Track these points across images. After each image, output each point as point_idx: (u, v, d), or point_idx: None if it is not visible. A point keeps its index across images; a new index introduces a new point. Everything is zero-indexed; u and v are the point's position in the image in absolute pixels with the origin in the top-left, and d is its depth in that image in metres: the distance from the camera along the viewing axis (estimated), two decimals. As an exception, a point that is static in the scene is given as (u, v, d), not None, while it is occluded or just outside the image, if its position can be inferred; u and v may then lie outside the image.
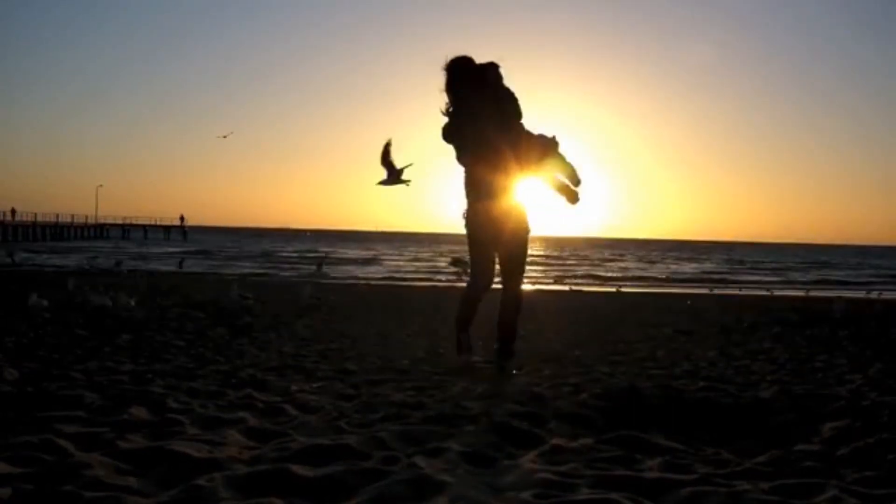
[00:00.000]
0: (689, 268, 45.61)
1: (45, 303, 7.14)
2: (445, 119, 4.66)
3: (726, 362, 5.28)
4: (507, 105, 4.59)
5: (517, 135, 4.61)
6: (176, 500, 2.03)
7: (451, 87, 4.61)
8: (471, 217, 4.72)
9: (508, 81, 4.59)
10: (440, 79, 4.60)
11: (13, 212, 61.33)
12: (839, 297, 11.43)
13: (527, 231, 4.80)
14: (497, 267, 4.84)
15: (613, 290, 20.56)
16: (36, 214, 66.83)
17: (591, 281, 29.10)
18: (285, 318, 8.04)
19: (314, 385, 4.03)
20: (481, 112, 4.55)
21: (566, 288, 21.00)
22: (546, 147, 4.69)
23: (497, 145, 4.55)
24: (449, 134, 4.65)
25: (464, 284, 5.18)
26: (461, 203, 4.78)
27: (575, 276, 31.87)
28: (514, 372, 4.61)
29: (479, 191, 4.66)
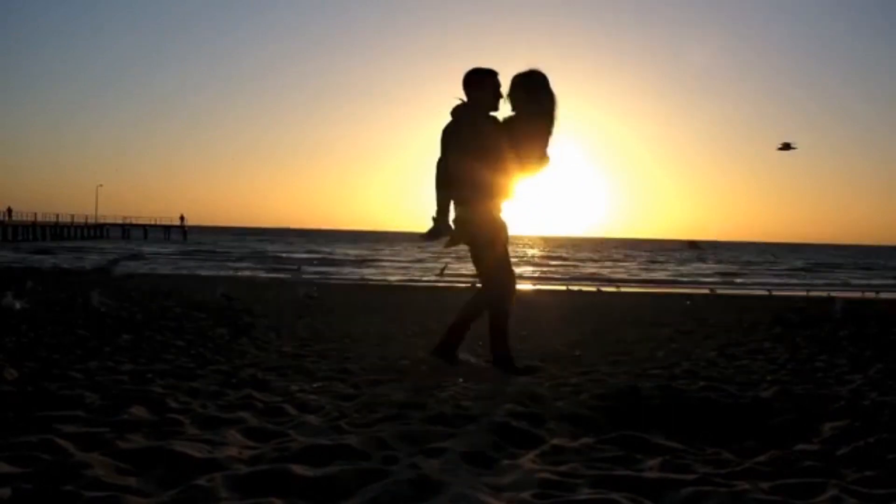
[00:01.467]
0: (689, 269, 45.04)
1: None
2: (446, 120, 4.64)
3: (726, 362, 5.28)
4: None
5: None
6: (176, 500, 2.03)
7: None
8: (483, 218, 4.60)
9: (507, 82, 4.60)
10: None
11: (9, 211, 61.04)
12: (839, 298, 11.43)
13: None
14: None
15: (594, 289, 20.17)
16: (36, 214, 66.91)
17: (600, 283, 28.73)
18: (285, 318, 8.03)
19: (314, 385, 4.02)
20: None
21: (564, 287, 20.99)
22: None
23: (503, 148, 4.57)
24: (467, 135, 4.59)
25: None
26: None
27: (581, 278, 31.58)
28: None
29: (486, 190, 4.61)
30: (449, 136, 4.61)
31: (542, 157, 4.65)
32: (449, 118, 4.64)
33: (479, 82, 4.61)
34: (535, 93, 4.59)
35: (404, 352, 5.66)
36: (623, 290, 21.05)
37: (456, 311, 4.93)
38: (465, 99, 4.64)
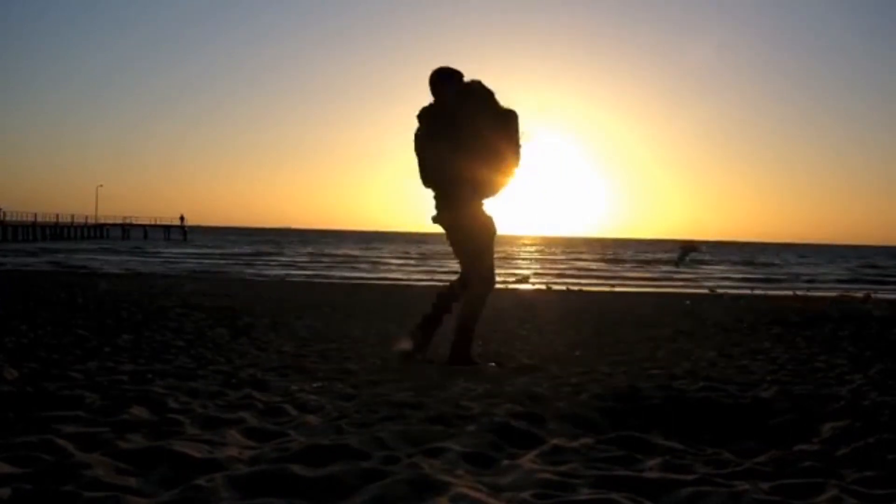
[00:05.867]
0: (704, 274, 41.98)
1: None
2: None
3: (726, 362, 5.28)
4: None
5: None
6: (176, 500, 2.03)
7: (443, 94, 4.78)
8: (473, 217, 4.82)
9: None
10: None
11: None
12: (839, 297, 11.43)
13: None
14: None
15: (576, 289, 19.85)
16: (36, 214, 66.97)
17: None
18: (285, 318, 8.03)
19: (314, 385, 4.02)
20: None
21: (564, 287, 20.97)
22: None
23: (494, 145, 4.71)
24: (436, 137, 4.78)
25: None
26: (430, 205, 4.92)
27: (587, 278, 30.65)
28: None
29: (476, 190, 4.76)
30: (436, 134, 4.77)
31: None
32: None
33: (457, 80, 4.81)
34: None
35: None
36: (620, 290, 21.02)
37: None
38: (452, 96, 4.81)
